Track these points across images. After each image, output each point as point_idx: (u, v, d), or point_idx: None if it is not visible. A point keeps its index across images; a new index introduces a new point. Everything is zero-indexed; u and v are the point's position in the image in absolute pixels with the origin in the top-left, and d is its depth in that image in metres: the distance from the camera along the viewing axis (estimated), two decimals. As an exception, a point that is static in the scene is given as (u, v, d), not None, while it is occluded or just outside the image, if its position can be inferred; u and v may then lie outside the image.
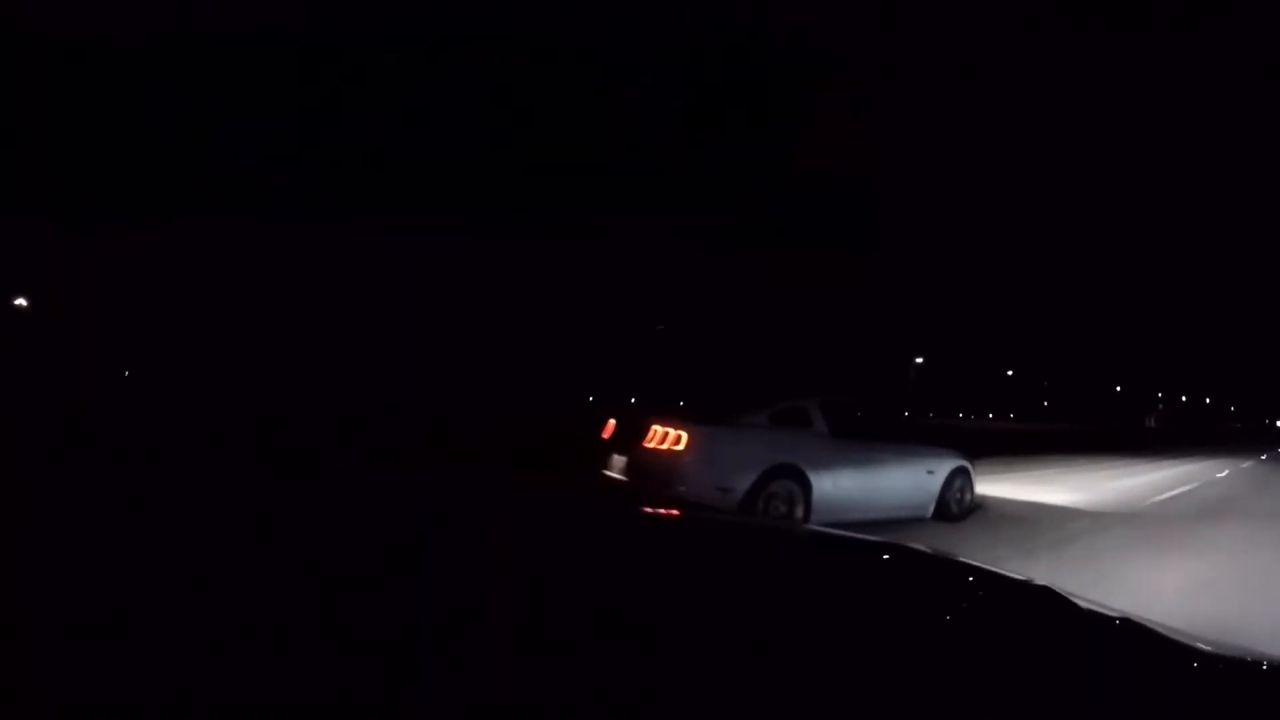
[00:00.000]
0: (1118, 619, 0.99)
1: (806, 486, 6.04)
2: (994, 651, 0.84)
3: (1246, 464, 19.02)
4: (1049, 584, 1.11)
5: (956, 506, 7.75)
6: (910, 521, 7.03)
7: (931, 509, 7.46)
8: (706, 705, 0.62)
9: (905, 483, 7.15)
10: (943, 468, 7.60)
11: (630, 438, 5.94)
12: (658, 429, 5.61)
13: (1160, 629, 0.95)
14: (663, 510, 1.48)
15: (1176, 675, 0.84)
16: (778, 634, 0.78)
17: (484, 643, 0.67)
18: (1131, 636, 0.96)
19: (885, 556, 1.27)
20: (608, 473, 6.04)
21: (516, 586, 0.80)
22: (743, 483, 5.64)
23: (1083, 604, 1.04)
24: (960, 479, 7.81)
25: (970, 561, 1.24)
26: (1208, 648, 0.90)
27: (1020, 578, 1.19)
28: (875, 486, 6.73)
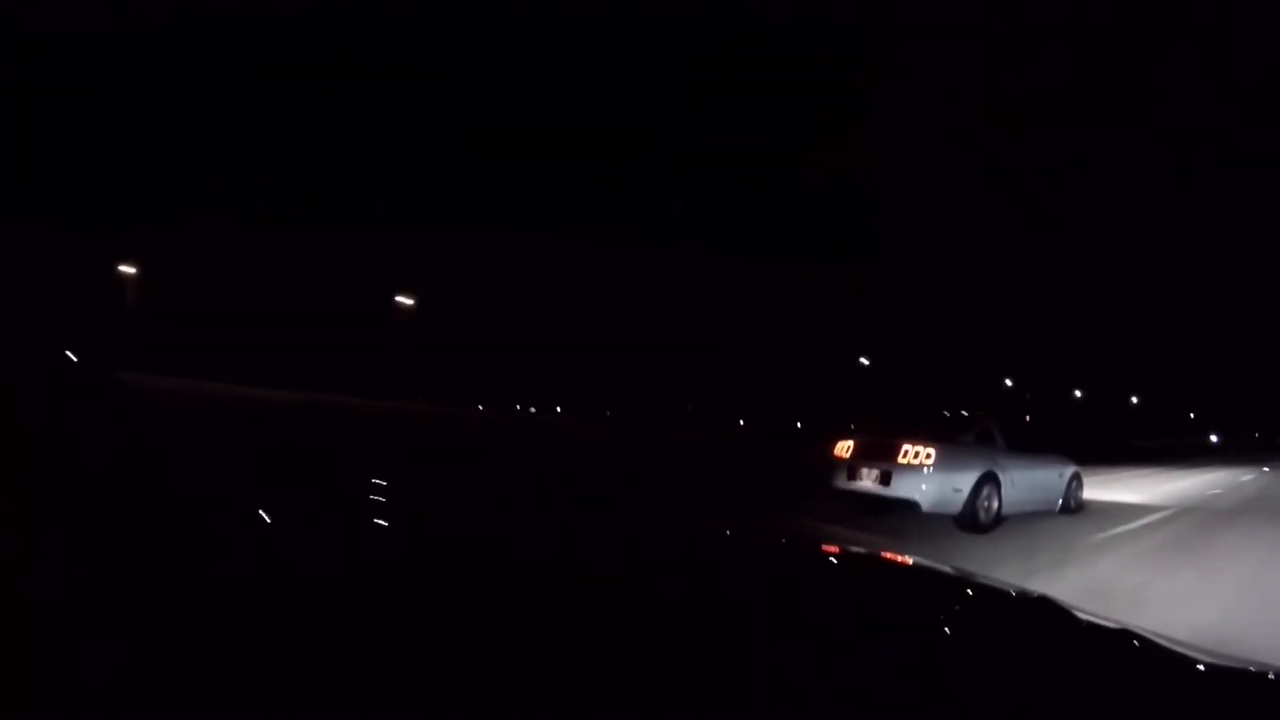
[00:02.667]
0: (1116, 629, 1.00)
1: (998, 488, 7.98)
2: (993, 661, 0.86)
3: (1266, 469, 21.99)
4: (1047, 595, 1.14)
5: (1074, 502, 9.75)
6: (1044, 514, 9.01)
7: (1059, 504, 9.45)
8: (704, 704, 0.65)
9: (1049, 484, 9.16)
10: (1067, 472, 9.62)
11: (871, 456, 7.86)
12: (909, 447, 7.54)
13: (1158, 640, 0.95)
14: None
15: (1173, 686, 0.84)
16: (786, 645, 0.80)
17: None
18: (1129, 647, 0.96)
19: (890, 570, 1.30)
20: (853, 485, 7.93)
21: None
22: (967, 486, 7.58)
23: (1081, 615, 1.05)
24: (1075, 481, 9.83)
25: (970, 574, 1.26)
26: (1205, 658, 0.90)
27: (1019, 589, 1.21)
28: (1034, 487, 8.71)
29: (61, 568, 0.75)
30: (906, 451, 7.54)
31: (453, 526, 1.27)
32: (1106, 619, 1.04)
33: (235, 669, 0.61)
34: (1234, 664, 0.90)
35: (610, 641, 0.76)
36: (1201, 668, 0.89)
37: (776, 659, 0.74)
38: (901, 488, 7.50)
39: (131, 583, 0.75)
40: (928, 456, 7.48)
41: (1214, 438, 49.32)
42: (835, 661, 0.77)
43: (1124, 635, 0.98)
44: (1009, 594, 1.24)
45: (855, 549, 1.50)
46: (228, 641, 0.65)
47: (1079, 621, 1.05)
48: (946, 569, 1.32)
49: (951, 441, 7.84)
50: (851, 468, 8.02)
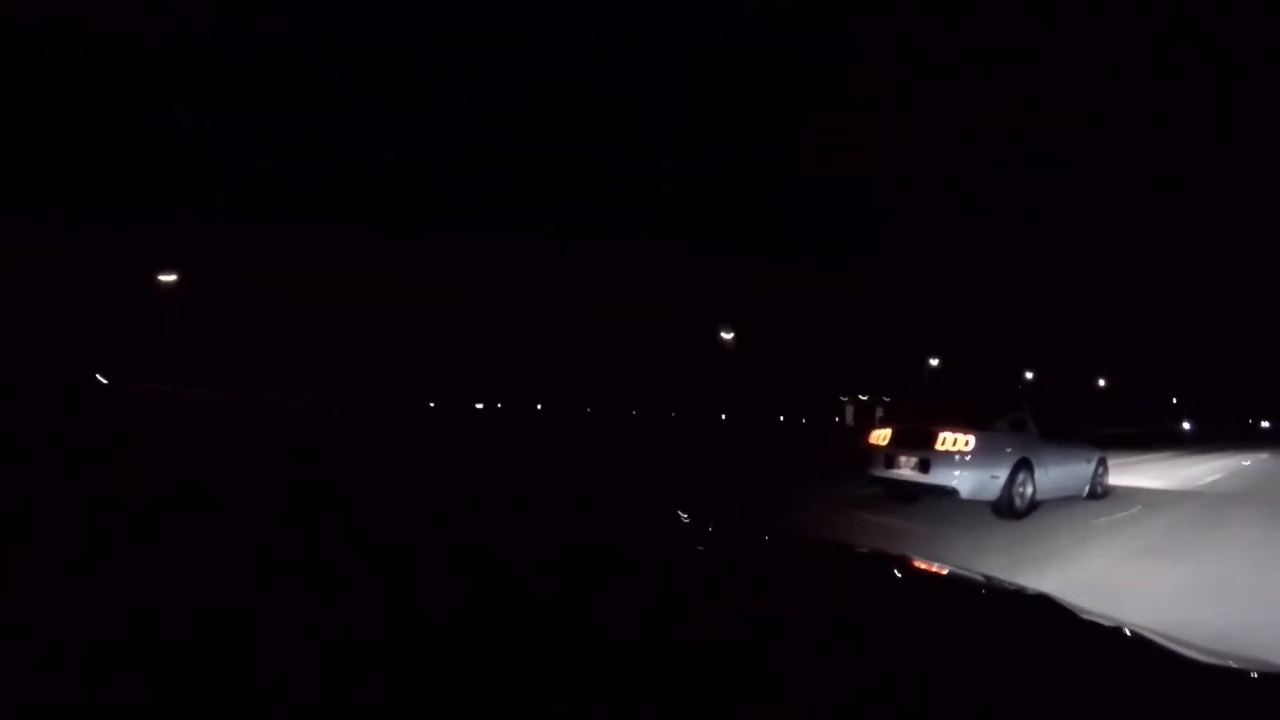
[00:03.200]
0: (1114, 628, 1.00)
1: (1032, 474, 8.14)
2: (992, 659, 0.85)
3: (1264, 455, 22.07)
4: (1047, 593, 1.13)
5: (1100, 488, 9.92)
6: (1074, 499, 9.19)
7: (1086, 490, 9.62)
8: (712, 705, 0.65)
9: (1079, 470, 9.33)
10: (1094, 458, 9.78)
11: (909, 444, 8.01)
12: (947, 435, 7.68)
13: (1157, 638, 0.95)
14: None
15: (1172, 686, 0.84)
16: (782, 644, 0.81)
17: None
18: (1127, 645, 0.96)
19: (888, 569, 1.30)
20: (891, 473, 8.08)
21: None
22: (1003, 472, 7.73)
23: (1080, 613, 1.05)
24: (1101, 467, 10.00)
25: (969, 572, 1.26)
26: (1203, 658, 0.90)
27: (1017, 587, 1.22)
28: (1065, 473, 8.88)
29: (61, 576, 0.77)
30: (945, 439, 7.68)
31: (439, 525, 1.25)
32: (1106, 618, 1.03)
33: (233, 670, 0.62)
34: (1234, 664, 0.90)
35: (586, 641, 0.75)
36: (1201, 668, 0.89)
37: (766, 659, 0.75)
38: (940, 475, 7.65)
39: (128, 590, 0.76)
40: (966, 444, 7.62)
41: (1186, 425, 49.76)
42: (826, 661, 0.77)
43: (1123, 635, 0.98)
44: (1006, 591, 1.24)
45: (848, 546, 1.49)
46: (225, 642, 0.66)
47: (1078, 620, 1.04)
48: (943, 567, 1.32)
49: (989, 429, 7.98)
50: (890, 456, 8.15)
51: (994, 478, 7.66)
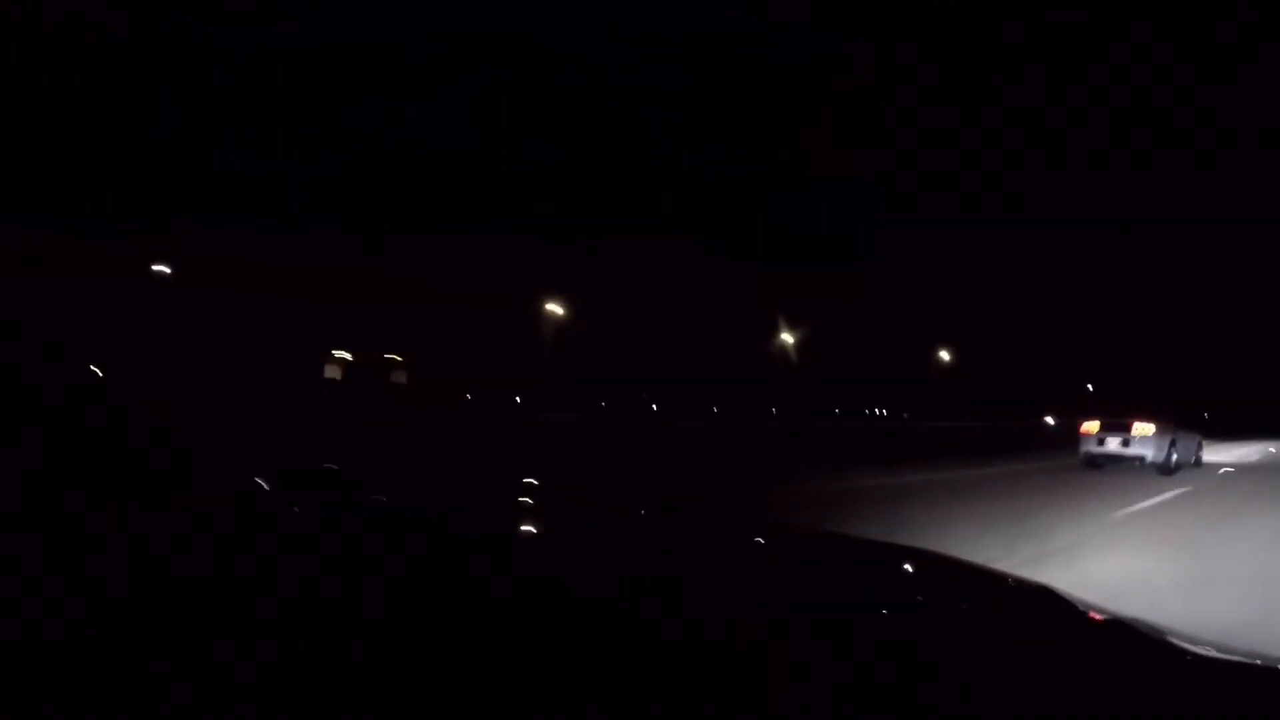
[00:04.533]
0: (1116, 620, 1.00)
1: (1175, 448, 14.74)
2: (992, 651, 0.86)
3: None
4: (1048, 585, 1.14)
5: (1197, 460, 16.56)
6: (1181, 465, 15.72)
7: (1193, 459, 16.23)
8: (701, 696, 0.65)
9: (1191, 447, 16.01)
10: (1197, 441, 16.47)
11: (1113, 430, 14.62)
12: (1140, 425, 14.30)
13: (1160, 631, 0.95)
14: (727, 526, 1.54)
15: (1174, 678, 0.84)
16: (783, 631, 0.82)
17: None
18: (1130, 638, 0.97)
19: (890, 560, 1.33)
20: (1101, 450, 14.68)
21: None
22: (1165, 447, 14.33)
23: (1081, 605, 1.06)
24: (1199, 447, 16.65)
25: (971, 562, 1.29)
26: (1206, 650, 0.89)
27: (1019, 578, 1.24)
28: (1186, 449, 15.51)
29: (61, 574, 0.80)
30: (1138, 428, 14.31)
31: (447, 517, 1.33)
32: (1109, 610, 1.04)
33: (234, 671, 0.62)
34: (1240, 658, 0.88)
35: (589, 635, 0.76)
36: (1205, 661, 0.88)
37: (767, 650, 0.77)
38: (1135, 449, 14.26)
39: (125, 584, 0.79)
40: (1150, 431, 14.26)
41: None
42: (826, 652, 0.78)
43: (1124, 627, 0.98)
44: (1008, 583, 1.27)
45: (856, 537, 1.57)
46: (224, 644, 0.66)
47: (1079, 612, 1.05)
48: (944, 559, 1.34)
49: (1159, 423, 14.60)
50: (1100, 439, 14.77)
51: (1161, 450, 14.26)
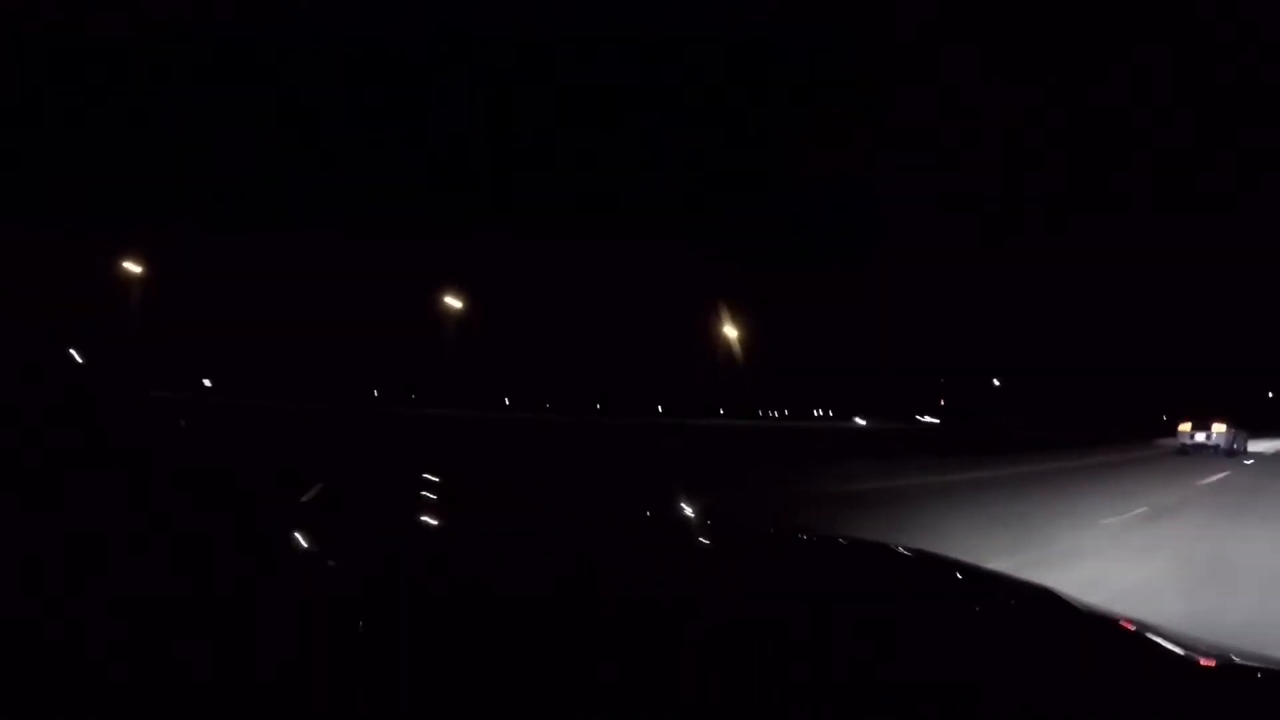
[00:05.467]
0: (1119, 622, 1.01)
1: (1236, 439, 24.39)
2: (994, 652, 0.87)
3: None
4: (1050, 587, 1.15)
5: (1243, 450, 25.94)
6: (1238, 452, 24.95)
7: (1244, 449, 25.62)
8: (703, 694, 0.66)
9: (1244, 439, 25.69)
10: (1244, 434, 25.97)
11: (1200, 428, 24.22)
12: (1216, 424, 24.02)
13: (1160, 632, 0.95)
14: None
15: (1172, 679, 0.85)
16: (782, 632, 0.83)
17: None
18: (1129, 639, 0.97)
19: (893, 560, 1.34)
20: (1192, 441, 24.35)
21: None
22: (1232, 439, 24.22)
23: (1082, 607, 1.06)
24: (1247, 439, 26.08)
25: (973, 564, 1.29)
26: (1210, 653, 0.90)
27: (1021, 580, 1.24)
28: (1242, 442, 25.16)
29: (62, 573, 0.80)
30: (1215, 427, 23.99)
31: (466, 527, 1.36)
32: (1110, 612, 1.06)
33: (237, 672, 0.63)
34: (1241, 660, 0.89)
35: (591, 634, 0.79)
36: (1206, 663, 0.89)
37: (770, 649, 0.78)
38: (1213, 440, 24.00)
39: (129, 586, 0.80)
40: (1223, 429, 23.93)
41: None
42: (829, 652, 0.79)
43: (1125, 630, 0.99)
44: (1010, 586, 1.27)
45: (857, 539, 1.58)
46: (225, 645, 0.68)
47: (1081, 614, 1.05)
48: (949, 561, 1.33)
49: (1228, 421, 24.06)
50: (1190, 433, 24.41)
51: (1230, 442, 24.02)
